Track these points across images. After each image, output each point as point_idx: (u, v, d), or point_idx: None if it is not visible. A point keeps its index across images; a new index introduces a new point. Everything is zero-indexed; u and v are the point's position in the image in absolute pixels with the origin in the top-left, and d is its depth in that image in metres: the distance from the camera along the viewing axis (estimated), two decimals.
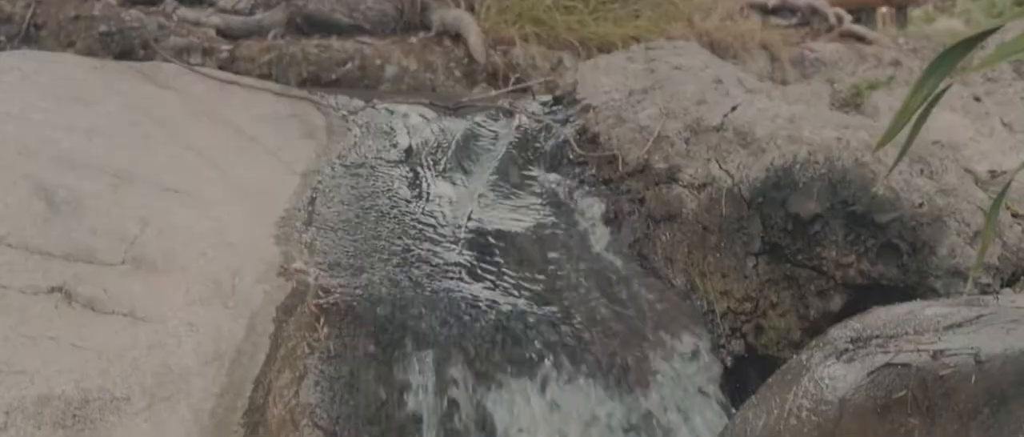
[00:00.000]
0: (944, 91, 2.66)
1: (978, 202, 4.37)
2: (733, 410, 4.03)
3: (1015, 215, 4.42)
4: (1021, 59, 5.41)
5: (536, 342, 4.12)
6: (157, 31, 6.71)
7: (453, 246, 4.70)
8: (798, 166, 4.46)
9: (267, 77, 6.53)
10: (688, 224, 4.74)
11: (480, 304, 4.24)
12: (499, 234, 4.86)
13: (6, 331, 3.59)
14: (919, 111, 2.69)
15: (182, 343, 3.79)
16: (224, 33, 6.99)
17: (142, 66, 6.05)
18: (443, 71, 6.99)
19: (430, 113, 6.01)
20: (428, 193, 5.15)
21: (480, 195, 5.19)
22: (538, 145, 5.66)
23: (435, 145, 5.64)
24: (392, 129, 5.75)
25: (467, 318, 4.14)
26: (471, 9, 7.44)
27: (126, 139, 4.85)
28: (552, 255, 4.78)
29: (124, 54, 6.55)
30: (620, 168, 5.15)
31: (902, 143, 2.85)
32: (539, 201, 5.24)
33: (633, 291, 4.60)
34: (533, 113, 5.98)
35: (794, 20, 9.49)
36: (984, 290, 4.16)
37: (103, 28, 6.64)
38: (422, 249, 4.63)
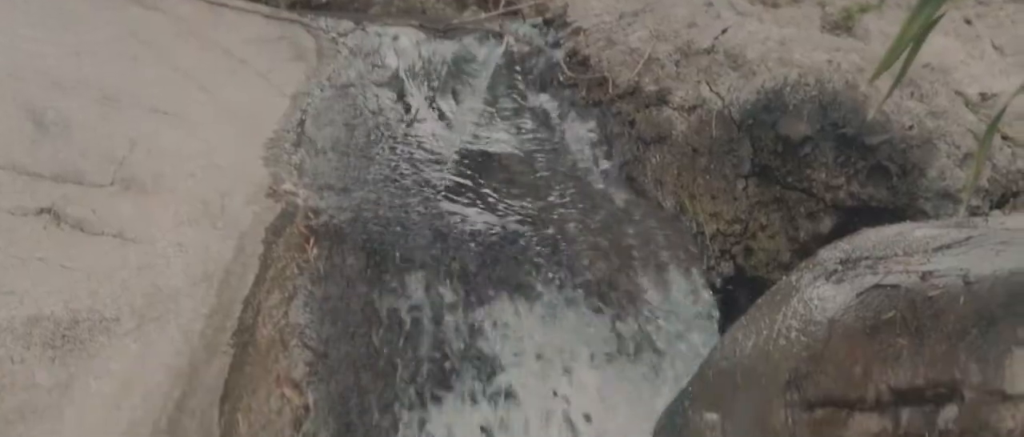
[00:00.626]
0: (940, 17, 2.65)
1: (968, 125, 4.36)
2: (722, 331, 4.03)
3: (1005, 138, 4.42)
4: None
5: (525, 262, 4.12)
6: None
7: (443, 167, 4.69)
8: (788, 88, 4.45)
9: None
10: (678, 146, 4.73)
11: (469, 224, 4.24)
12: (489, 155, 4.85)
13: None
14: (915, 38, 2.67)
15: (171, 264, 3.79)
16: None
17: None
18: None
19: (420, 35, 5.97)
20: (417, 115, 5.14)
21: (469, 117, 5.17)
22: (528, 67, 5.63)
23: (425, 67, 5.61)
24: (382, 51, 5.72)
25: (456, 238, 4.14)
26: None
27: (114, 61, 4.82)
28: (541, 176, 4.77)
29: None
30: (610, 90, 5.14)
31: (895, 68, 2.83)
32: (529, 123, 5.23)
33: (622, 213, 4.60)
34: (523, 35, 5.95)
35: None
36: (974, 212, 4.17)
37: None
38: (411, 170, 4.62)
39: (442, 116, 5.19)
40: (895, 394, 2.90)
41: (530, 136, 5.14)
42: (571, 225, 4.42)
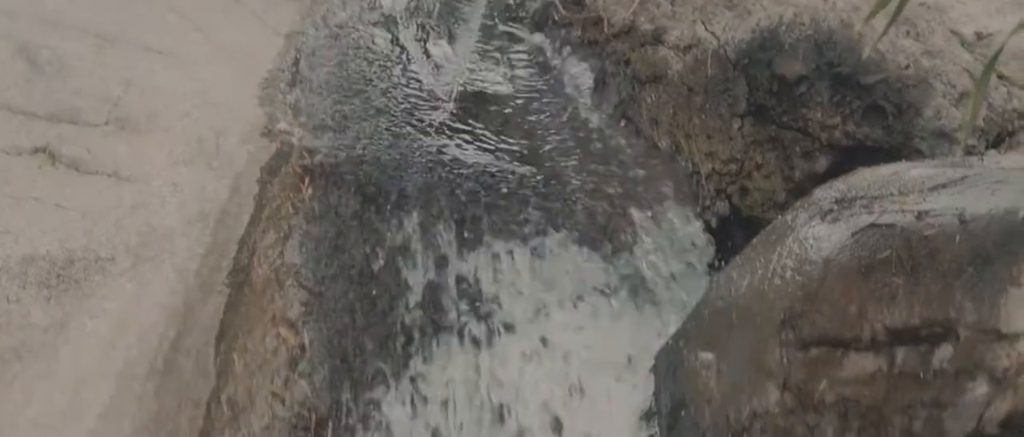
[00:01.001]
0: None
1: (964, 64, 4.35)
2: (718, 270, 4.04)
3: (1001, 77, 4.41)
4: None
5: (521, 202, 4.12)
6: None
7: (438, 107, 4.68)
8: (784, 27, 4.44)
9: None
10: (673, 86, 4.72)
11: (465, 165, 4.24)
12: (484, 95, 4.84)
13: None
14: None
15: (166, 203, 3.79)
16: None
17: None
18: None
19: None
20: (412, 54, 5.13)
21: (464, 56, 5.16)
22: (523, 6, 5.61)
23: (419, 6, 5.59)
24: None
25: (452, 178, 4.14)
26: None
27: (109, 0, 4.80)
28: (537, 116, 4.77)
29: None
30: (605, 29, 5.12)
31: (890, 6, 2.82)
32: (524, 62, 5.21)
33: (618, 152, 4.59)
34: None
35: None
36: (969, 151, 4.16)
37: None
38: (407, 110, 4.61)
39: (436, 55, 5.18)
40: (890, 333, 2.90)
41: (525, 75, 5.13)
42: (566, 165, 4.42)
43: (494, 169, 4.26)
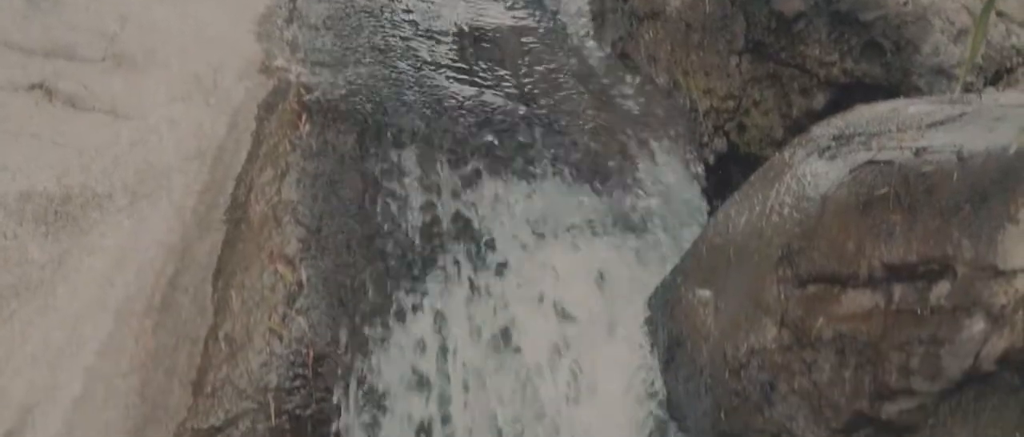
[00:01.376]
0: None
1: (962, 0, 4.34)
2: (715, 207, 4.04)
3: (1000, 14, 4.39)
4: None
5: (518, 138, 4.12)
6: None
7: (435, 43, 4.67)
8: None
9: None
10: (671, 22, 4.70)
11: (463, 101, 4.23)
12: (481, 31, 4.82)
13: None
14: None
15: (163, 140, 3.79)
16: None
17: None
18: None
19: None
20: None
21: None
22: None
23: None
24: None
25: (450, 115, 4.14)
26: None
27: None
28: (535, 53, 4.75)
29: None
30: None
31: None
32: None
33: (615, 89, 4.58)
34: None
35: None
36: (967, 88, 4.16)
37: None
38: (404, 46, 4.60)
39: None
40: (887, 270, 2.91)
41: (523, 12, 5.11)
42: (564, 101, 4.41)
43: (492, 105, 4.25)
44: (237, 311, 3.70)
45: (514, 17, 5.05)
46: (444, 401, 3.75)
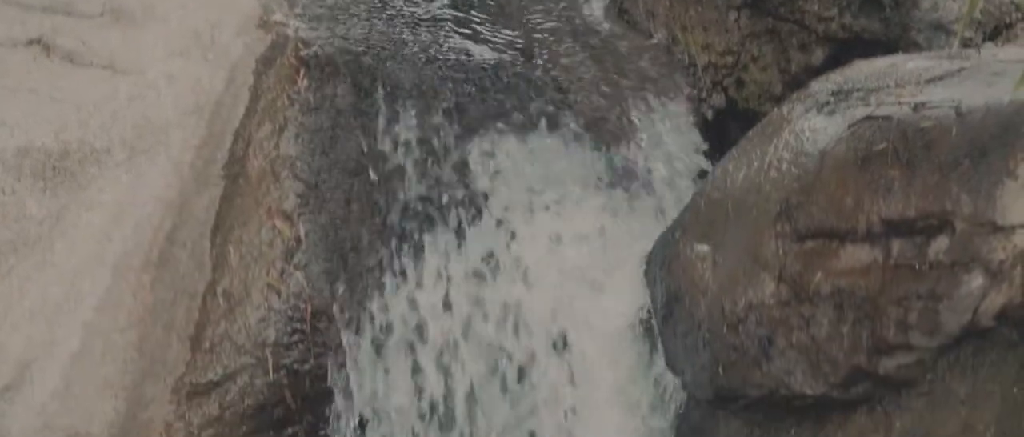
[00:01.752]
0: None
1: None
2: (714, 163, 4.04)
3: None
4: None
5: (516, 94, 4.11)
6: None
7: None
8: None
9: None
10: None
11: (462, 57, 4.22)
12: None
13: None
14: None
15: (161, 95, 3.78)
16: None
17: None
18: None
19: None
20: None
21: None
22: None
23: None
24: None
25: (448, 70, 4.13)
26: None
27: None
28: (533, 9, 4.74)
29: None
30: None
31: None
32: None
33: (613, 45, 4.57)
34: None
35: None
36: (966, 44, 4.15)
37: None
38: (402, 2, 4.58)
39: None
40: (886, 225, 2.92)
41: None
42: (562, 57, 4.40)
43: (490, 60, 4.24)
44: (235, 266, 3.70)
45: None
46: (445, 351, 3.77)
